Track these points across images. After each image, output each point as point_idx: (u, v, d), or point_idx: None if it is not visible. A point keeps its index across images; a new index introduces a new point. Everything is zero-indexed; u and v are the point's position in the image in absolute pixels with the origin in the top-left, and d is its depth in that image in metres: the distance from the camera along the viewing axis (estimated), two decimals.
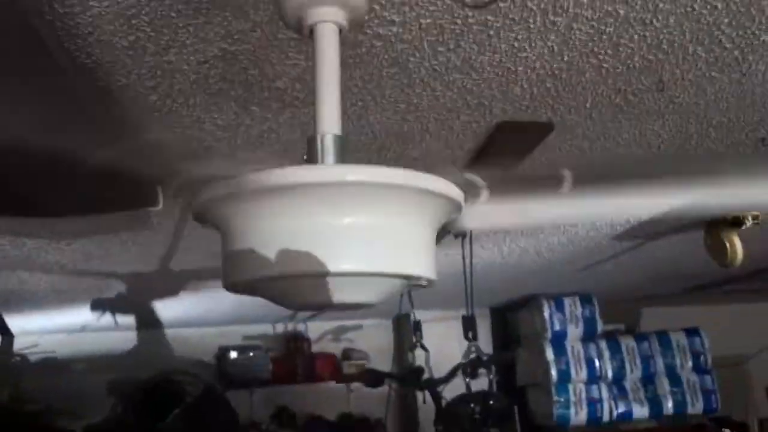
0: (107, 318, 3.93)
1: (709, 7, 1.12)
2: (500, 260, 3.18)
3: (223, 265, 0.70)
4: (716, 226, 2.64)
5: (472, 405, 2.10)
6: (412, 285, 0.71)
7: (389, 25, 1.11)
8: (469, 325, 2.22)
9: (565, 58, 1.27)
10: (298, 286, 0.64)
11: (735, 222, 2.59)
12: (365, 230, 0.62)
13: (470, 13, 1.10)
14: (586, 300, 4.53)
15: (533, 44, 1.21)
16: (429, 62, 1.26)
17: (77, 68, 1.17)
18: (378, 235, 0.62)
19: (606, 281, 4.14)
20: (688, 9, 1.12)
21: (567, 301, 4.47)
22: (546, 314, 4.42)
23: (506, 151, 1.70)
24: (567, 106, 1.49)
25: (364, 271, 0.63)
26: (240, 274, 0.66)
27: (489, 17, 1.12)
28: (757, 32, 1.21)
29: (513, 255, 3.10)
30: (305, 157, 0.71)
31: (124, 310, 4.07)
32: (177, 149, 1.60)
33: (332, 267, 0.61)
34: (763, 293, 4.67)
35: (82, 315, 4.06)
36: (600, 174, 1.95)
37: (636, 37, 1.20)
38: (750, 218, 2.58)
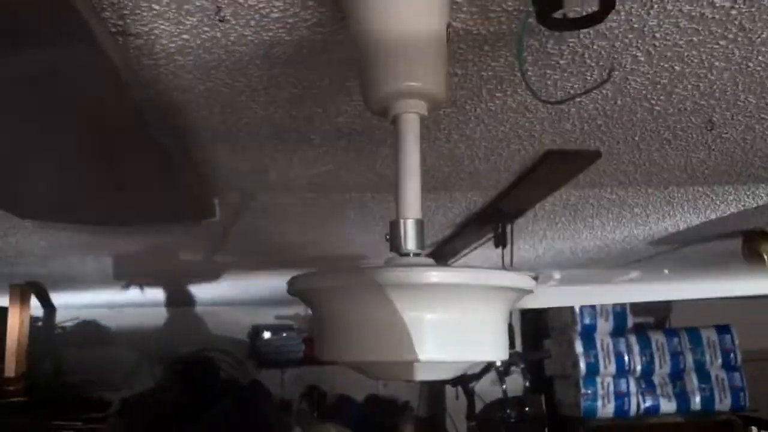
0: (137, 292, 4.06)
1: (763, 65, 1.15)
2: (534, 258, 3.23)
3: (318, 339, 0.77)
4: (753, 238, 2.67)
5: (508, 410, 2.17)
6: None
7: (452, 77, 1.16)
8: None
9: (618, 102, 1.31)
10: (387, 367, 0.71)
11: None
12: (447, 324, 0.68)
13: (530, 68, 1.15)
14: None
15: (589, 93, 1.25)
16: (485, 104, 1.31)
17: (154, 110, 1.24)
18: (458, 327, 0.69)
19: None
20: (743, 66, 1.16)
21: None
22: (576, 307, 4.48)
23: (552, 175, 1.75)
24: (615, 138, 1.53)
25: (445, 360, 0.70)
26: (338, 354, 0.73)
27: (547, 71, 1.16)
28: None
29: (548, 254, 3.15)
30: (387, 237, 0.77)
31: (156, 286, 4.21)
32: (236, 167, 1.68)
33: (417, 356, 0.68)
34: None
35: (124, 293, 4.21)
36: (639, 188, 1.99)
37: (690, 86, 1.24)
38: None
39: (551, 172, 1.73)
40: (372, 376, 0.76)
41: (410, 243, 0.75)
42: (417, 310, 0.67)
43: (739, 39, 1.06)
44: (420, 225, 0.77)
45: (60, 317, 5.13)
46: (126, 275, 3.60)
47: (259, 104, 1.28)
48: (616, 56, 1.11)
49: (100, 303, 5.06)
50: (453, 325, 0.68)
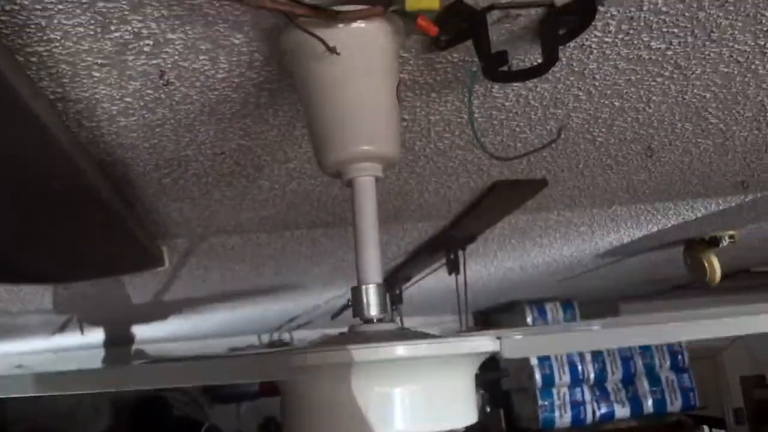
0: (79, 337, 3.93)
1: (698, 97, 1.19)
2: (486, 276, 3.26)
3: (284, 422, 0.76)
4: (694, 246, 2.75)
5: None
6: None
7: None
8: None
9: (562, 136, 1.34)
10: None
11: (712, 241, 2.70)
12: (417, 396, 0.68)
13: (476, 110, 1.16)
14: (567, 305, 4.66)
15: (533, 129, 1.28)
16: (434, 144, 1.32)
17: (97, 166, 1.21)
18: (425, 397, 0.69)
19: (585, 287, 4.26)
20: (679, 99, 1.20)
21: (548, 306, 4.60)
22: (529, 320, 4.54)
23: (501, 204, 1.77)
24: (560, 167, 1.57)
25: (416, 431, 0.70)
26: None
27: (494, 112, 1.18)
28: (741, 111, 1.29)
29: (498, 272, 3.19)
30: (349, 302, 0.77)
31: (102, 329, 4.08)
32: (184, 215, 1.64)
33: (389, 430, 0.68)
34: (735, 291, 4.82)
35: (70, 336, 4.07)
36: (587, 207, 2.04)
37: (629, 119, 1.28)
38: (726, 237, 2.70)
39: (500, 201, 1.75)
40: None
41: (373, 309, 0.75)
42: (380, 386, 0.67)
43: (675, 76, 1.10)
44: (381, 289, 0.76)
45: (2, 365, 4.92)
46: (70, 320, 3.49)
47: (205, 156, 1.26)
48: (558, 96, 1.14)
49: (44, 348, 4.88)
50: (423, 397, 0.68)
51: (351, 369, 0.66)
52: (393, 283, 2.88)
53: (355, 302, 0.75)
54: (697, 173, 1.72)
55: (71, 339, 4.21)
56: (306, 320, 4.52)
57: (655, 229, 2.45)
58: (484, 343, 0.71)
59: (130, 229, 1.49)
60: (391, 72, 0.80)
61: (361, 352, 0.65)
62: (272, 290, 3.19)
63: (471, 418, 0.74)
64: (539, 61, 0.89)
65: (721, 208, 2.17)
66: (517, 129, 1.28)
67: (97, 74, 0.90)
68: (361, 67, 0.75)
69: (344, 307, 3.50)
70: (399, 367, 0.68)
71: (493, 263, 2.97)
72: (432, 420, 0.69)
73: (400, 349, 0.67)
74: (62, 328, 3.63)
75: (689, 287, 4.55)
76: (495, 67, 0.84)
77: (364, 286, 0.75)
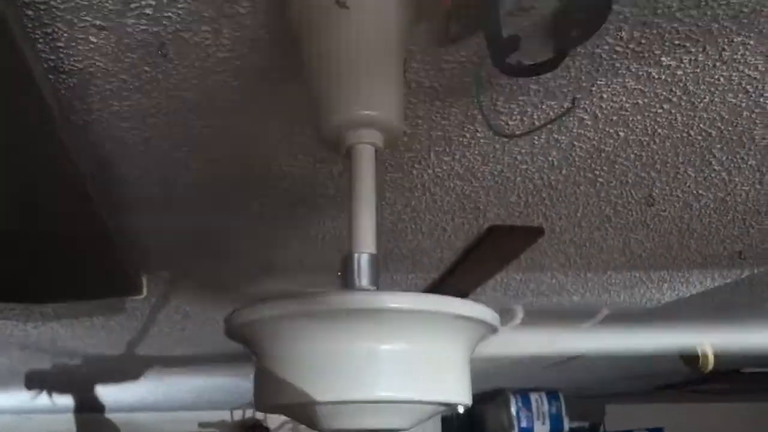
0: (44, 397, 3.74)
1: (704, 134, 1.18)
2: None
3: (255, 385, 0.69)
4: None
5: None
6: (447, 409, 0.70)
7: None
8: None
9: (563, 172, 1.32)
10: (334, 411, 0.63)
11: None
12: (403, 357, 0.62)
13: (479, 128, 1.14)
14: (552, 397, 4.52)
15: (535, 159, 1.25)
16: (433, 170, 1.29)
17: (87, 160, 1.16)
18: (416, 361, 0.62)
19: (572, 377, 4.15)
20: (684, 134, 1.18)
21: (533, 397, 4.45)
22: (513, 410, 4.39)
23: (496, 253, 1.73)
24: (558, 213, 1.53)
25: (402, 399, 0.63)
26: (275, 398, 0.65)
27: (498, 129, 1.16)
28: (745, 157, 1.27)
29: None
30: (339, 273, 0.71)
31: (69, 390, 3.89)
32: (169, 238, 1.59)
33: (369, 394, 0.61)
34: (727, 394, 4.71)
35: (33, 398, 3.88)
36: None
37: (632, 156, 1.26)
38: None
39: (495, 250, 1.71)
40: (321, 428, 0.67)
41: (364, 279, 0.69)
42: (367, 342, 0.60)
43: (683, 103, 1.08)
44: (374, 260, 0.71)
45: None
46: (35, 375, 3.34)
47: (198, 162, 1.22)
48: (564, 117, 1.12)
49: (3, 408, 4.65)
50: (408, 360, 0.61)
51: (340, 319, 0.60)
52: None
53: (346, 271, 0.70)
54: (696, 235, 1.69)
55: (27, 397, 4.01)
56: None
57: (648, 304, 2.40)
58: (486, 311, 0.65)
59: (111, 243, 1.43)
60: (399, 41, 0.77)
61: (352, 299, 0.59)
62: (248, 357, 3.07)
63: (466, 397, 0.67)
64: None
65: (716, 284, 2.12)
66: (518, 158, 1.25)
67: (94, 39, 0.88)
68: (369, 26, 0.73)
69: None
70: (390, 323, 0.61)
71: None
72: (423, 389, 0.62)
73: (391, 301, 0.61)
74: (30, 381, 3.46)
75: (680, 386, 4.46)
76: (505, 55, 0.82)
77: (356, 254, 0.70)
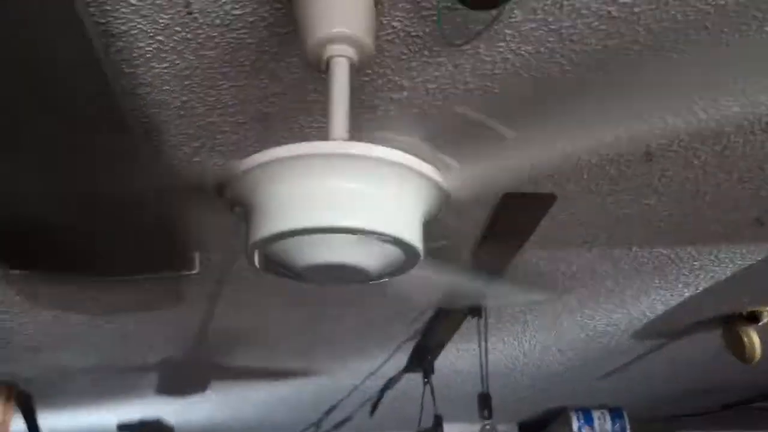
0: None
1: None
2: (522, 357, 3.22)
3: (245, 241, 0.84)
4: (733, 322, 2.69)
5: None
6: (402, 267, 0.84)
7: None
8: (484, 402, 2.28)
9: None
10: (304, 243, 0.78)
11: (751, 317, 2.64)
12: (367, 195, 0.77)
13: (468, 76, 1.29)
14: (616, 414, 4.46)
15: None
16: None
17: (137, 128, 1.37)
18: (374, 199, 0.77)
19: (634, 392, 4.10)
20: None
21: (596, 414, 4.41)
22: (575, 427, 4.36)
23: (515, 225, 1.84)
24: (567, 178, 1.64)
25: (364, 228, 0.77)
26: (256, 235, 0.80)
27: (480, 76, 1.30)
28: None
29: (534, 351, 3.15)
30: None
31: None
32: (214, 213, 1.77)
33: (337, 222, 0.76)
34: None
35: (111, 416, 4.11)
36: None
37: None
38: (766, 313, 2.63)
39: (513, 223, 1.83)
40: (295, 268, 0.81)
41: (337, 132, 0.85)
42: (336, 181, 0.76)
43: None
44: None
45: None
46: (113, 387, 3.55)
47: (230, 126, 1.41)
48: (540, 50, 1.25)
49: (92, 425, 4.88)
50: (371, 198, 0.76)
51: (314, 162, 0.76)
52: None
53: None
54: (708, 200, 1.76)
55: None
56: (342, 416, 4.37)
57: (686, 292, 2.43)
58: (430, 169, 0.79)
59: (161, 219, 1.62)
60: None
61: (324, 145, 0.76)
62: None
63: (416, 241, 0.80)
64: None
65: (747, 261, 2.16)
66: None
67: (133, 1, 1.08)
68: None
69: (383, 391, 3.41)
70: (356, 167, 0.77)
71: (525, 335, 2.96)
72: (382, 222, 0.77)
73: (354, 148, 0.77)
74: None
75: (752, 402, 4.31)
76: None
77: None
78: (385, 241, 0.78)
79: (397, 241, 0.79)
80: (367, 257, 0.80)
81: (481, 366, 2.28)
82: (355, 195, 0.76)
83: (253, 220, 0.81)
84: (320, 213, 0.76)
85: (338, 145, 0.80)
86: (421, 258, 0.83)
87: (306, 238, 0.77)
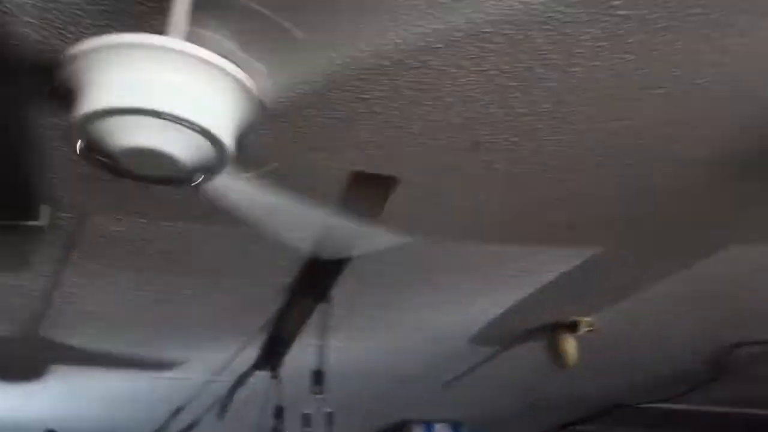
0: None
1: None
2: (365, 356, 3.30)
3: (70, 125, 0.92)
4: (556, 330, 2.95)
5: None
6: (214, 165, 0.94)
7: None
8: (317, 378, 2.38)
9: None
10: (118, 125, 0.87)
11: (572, 326, 2.91)
12: (181, 86, 0.87)
13: None
14: (457, 429, 4.66)
15: None
16: None
17: None
18: (190, 93, 0.87)
19: (474, 406, 4.30)
20: None
21: (437, 427, 4.59)
22: None
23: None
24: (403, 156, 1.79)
25: (171, 113, 0.86)
26: (77, 112, 0.89)
27: None
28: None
29: (380, 351, 3.25)
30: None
31: None
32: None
33: (145, 103, 0.85)
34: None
35: None
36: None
37: None
38: (584, 325, 2.91)
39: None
40: (112, 152, 0.89)
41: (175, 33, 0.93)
42: (151, 70, 0.86)
43: None
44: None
45: None
46: None
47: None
48: None
49: None
50: (185, 88, 0.86)
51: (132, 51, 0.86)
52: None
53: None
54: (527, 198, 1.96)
55: None
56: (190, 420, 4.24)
57: (514, 296, 2.64)
58: (241, 74, 0.90)
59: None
60: None
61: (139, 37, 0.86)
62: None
63: (227, 138, 0.91)
64: None
65: (565, 266, 2.39)
66: None
67: None
68: None
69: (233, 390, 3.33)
70: (175, 61, 0.87)
71: (373, 334, 3.07)
72: (191, 111, 0.87)
73: (170, 42, 0.87)
74: None
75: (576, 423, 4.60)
76: None
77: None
78: (194, 130, 0.88)
79: (205, 133, 0.89)
80: (179, 147, 0.89)
81: (321, 348, 2.38)
82: (169, 84, 0.85)
83: (77, 101, 0.89)
84: (131, 95, 0.85)
85: (153, 37, 0.89)
86: (231, 155, 0.93)
87: (120, 119, 0.86)
